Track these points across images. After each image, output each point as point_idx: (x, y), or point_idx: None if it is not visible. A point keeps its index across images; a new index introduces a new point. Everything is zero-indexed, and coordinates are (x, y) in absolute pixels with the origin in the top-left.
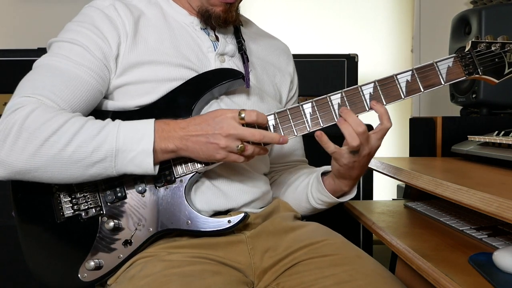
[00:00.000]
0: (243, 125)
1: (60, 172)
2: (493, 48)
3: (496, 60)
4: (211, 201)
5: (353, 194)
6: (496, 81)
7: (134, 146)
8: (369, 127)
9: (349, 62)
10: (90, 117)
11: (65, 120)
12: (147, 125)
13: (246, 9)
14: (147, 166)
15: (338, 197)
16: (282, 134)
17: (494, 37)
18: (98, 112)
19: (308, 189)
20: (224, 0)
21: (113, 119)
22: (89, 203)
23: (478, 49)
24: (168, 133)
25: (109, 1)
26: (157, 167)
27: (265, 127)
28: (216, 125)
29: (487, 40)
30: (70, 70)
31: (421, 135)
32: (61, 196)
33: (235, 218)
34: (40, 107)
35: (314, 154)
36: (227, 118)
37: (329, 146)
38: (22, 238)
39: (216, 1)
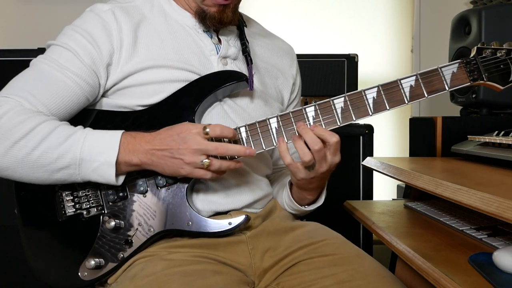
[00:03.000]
0: (209, 139)
1: (28, 174)
2: (498, 55)
3: (501, 66)
4: (212, 201)
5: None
6: (501, 87)
7: (97, 157)
8: (370, 128)
9: (349, 62)
10: (63, 122)
11: (36, 124)
12: (114, 137)
13: (246, 9)
14: (109, 177)
15: (306, 205)
16: (285, 137)
17: (500, 43)
18: (97, 112)
19: (283, 194)
20: (216, 2)
21: (114, 119)
22: (91, 202)
23: (483, 55)
24: (134, 146)
25: (109, 6)
26: (122, 177)
27: (234, 140)
28: (181, 140)
29: (492, 46)
30: (54, 74)
31: (421, 135)
32: (64, 194)
33: (236, 220)
34: (16, 108)
35: None
36: (191, 134)
37: (286, 156)
38: (24, 236)
39: (209, 2)
